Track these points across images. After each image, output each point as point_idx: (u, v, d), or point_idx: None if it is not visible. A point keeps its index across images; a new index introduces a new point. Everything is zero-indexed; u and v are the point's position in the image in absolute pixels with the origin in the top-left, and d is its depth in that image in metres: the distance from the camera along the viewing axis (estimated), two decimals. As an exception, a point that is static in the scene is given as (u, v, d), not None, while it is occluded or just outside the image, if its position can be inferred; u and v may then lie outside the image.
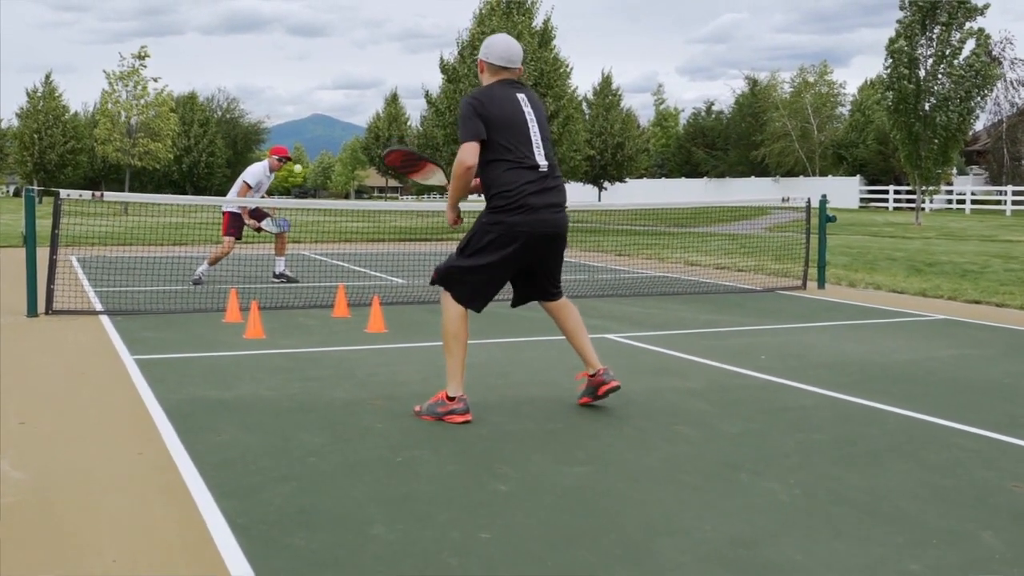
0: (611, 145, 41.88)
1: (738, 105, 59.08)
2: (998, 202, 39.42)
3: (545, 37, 28.21)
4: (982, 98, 27.25)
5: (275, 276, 11.36)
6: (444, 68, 28.83)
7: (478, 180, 4.73)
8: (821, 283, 11.21)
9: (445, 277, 4.76)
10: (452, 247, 4.95)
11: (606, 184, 44.06)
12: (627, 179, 44.52)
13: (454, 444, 4.31)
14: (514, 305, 5.06)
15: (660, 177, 62.28)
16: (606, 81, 44.03)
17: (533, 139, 4.67)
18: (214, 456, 4.05)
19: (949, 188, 40.48)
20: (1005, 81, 43.76)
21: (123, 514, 3.38)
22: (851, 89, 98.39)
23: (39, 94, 53.17)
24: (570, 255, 6.86)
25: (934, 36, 26.81)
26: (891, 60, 27.04)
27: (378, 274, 12.77)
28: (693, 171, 60.20)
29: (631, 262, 15.03)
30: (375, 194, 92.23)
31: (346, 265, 14.17)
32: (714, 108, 64.07)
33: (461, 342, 4.72)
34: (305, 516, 3.35)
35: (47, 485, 3.69)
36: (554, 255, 4.84)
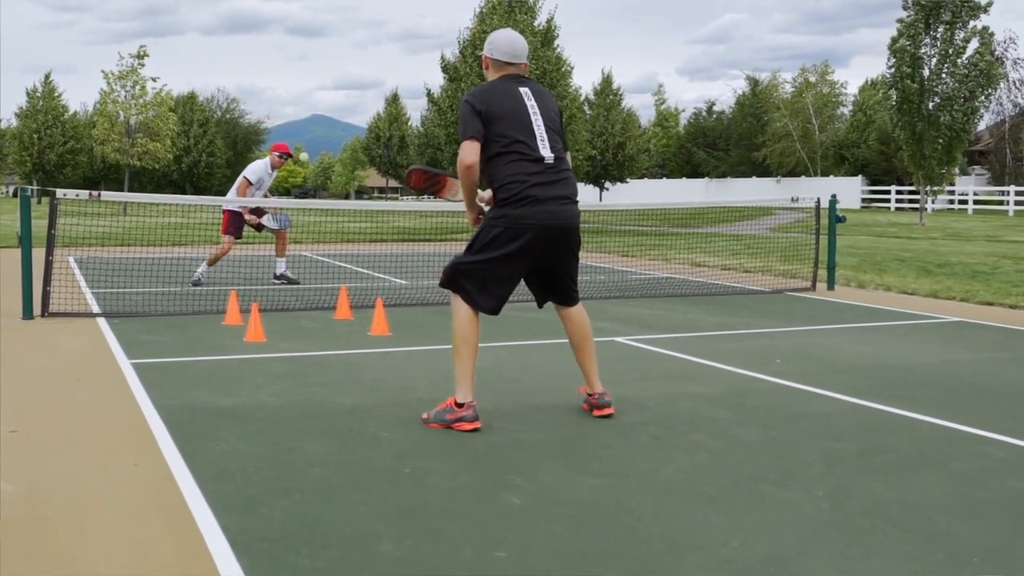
0: (612, 145, 41.70)
1: (739, 105, 58.87)
2: (1000, 202, 39.25)
3: (548, 36, 28.02)
4: (986, 97, 27.09)
5: (276, 277, 11.20)
6: (445, 67, 28.66)
7: (491, 193, 4.58)
8: (831, 284, 11.04)
9: (451, 276, 4.62)
10: (455, 247, 4.78)
11: (607, 184, 43.89)
12: (628, 179, 44.35)
13: (464, 454, 4.14)
14: (540, 305, 4.96)
15: (661, 177, 62.10)
16: (606, 81, 43.86)
17: (536, 131, 4.53)
18: (213, 467, 3.88)
19: (951, 188, 40.30)
20: (1008, 81, 43.59)
21: (118, 531, 3.21)
22: (852, 89, 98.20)
23: (39, 94, 52.98)
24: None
25: (938, 35, 26.64)
26: (894, 60, 26.88)
27: (380, 275, 12.59)
28: (694, 171, 59.99)
29: (636, 263, 14.86)
30: (375, 194, 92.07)
31: (348, 266, 14.00)
32: (715, 108, 63.90)
33: (471, 345, 4.55)
34: (309, 532, 3.18)
35: (38, 499, 3.52)
36: (566, 251, 4.67)
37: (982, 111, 27.32)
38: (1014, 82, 44.80)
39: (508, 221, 4.46)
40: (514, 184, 4.46)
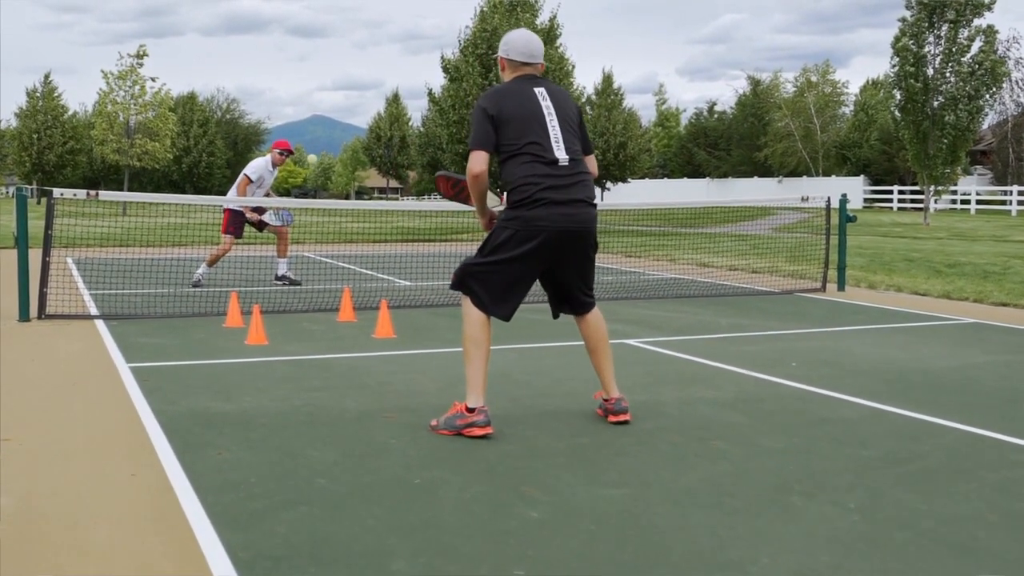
0: (613, 145, 41.50)
1: (740, 105, 58.69)
2: (1003, 202, 39.07)
3: (551, 35, 27.84)
4: (991, 96, 26.91)
5: (277, 278, 11.03)
6: (446, 67, 28.48)
7: (503, 198, 4.45)
8: (841, 285, 10.87)
9: (461, 278, 4.49)
10: (459, 247, 4.62)
11: (608, 184, 43.69)
12: (629, 179, 44.16)
13: (477, 463, 3.97)
14: (555, 316, 4.82)
15: (662, 177, 61.92)
16: (607, 81, 43.68)
17: (551, 133, 4.40)
18: (214, 478, 3.70)
19: (954, 188, 40.12)
20: (1011, 80, 43.42)
21: (114, 547, 3.04)
22: (853, 89, 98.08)
23: (38, 94, 52.81)
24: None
25: (941, 34, 26.47)
26: (897, 59, 26.70)
27: (384, 276, 12.41)
28: (695, 171, 59.82)
29: (642, 263, 14.68)
30: (375, 195, 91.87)
31: (350, 267, 13.82)
32: (716, 108, 63.72)
33: (482, 349, 4.39)
34: (316, 548, 3.00)
35: (31, 512, 3.35)
36: (580, 255, 4.53)
37: (987, 110, 27.13)
38: (1017, 81, 44.66)
39: (520, 223, 4.33)
40: (527, 186, 4.33)
